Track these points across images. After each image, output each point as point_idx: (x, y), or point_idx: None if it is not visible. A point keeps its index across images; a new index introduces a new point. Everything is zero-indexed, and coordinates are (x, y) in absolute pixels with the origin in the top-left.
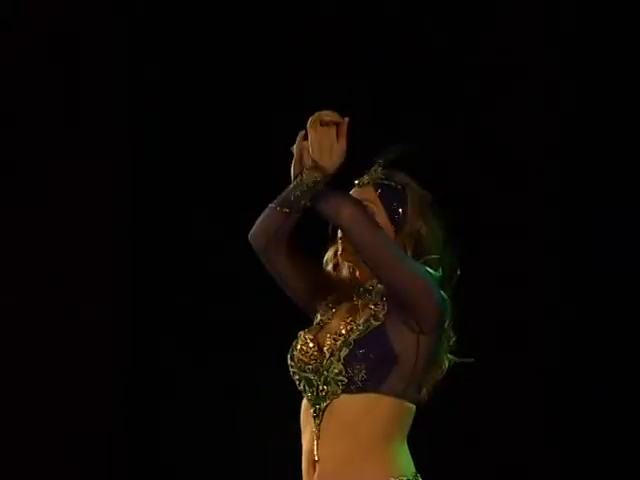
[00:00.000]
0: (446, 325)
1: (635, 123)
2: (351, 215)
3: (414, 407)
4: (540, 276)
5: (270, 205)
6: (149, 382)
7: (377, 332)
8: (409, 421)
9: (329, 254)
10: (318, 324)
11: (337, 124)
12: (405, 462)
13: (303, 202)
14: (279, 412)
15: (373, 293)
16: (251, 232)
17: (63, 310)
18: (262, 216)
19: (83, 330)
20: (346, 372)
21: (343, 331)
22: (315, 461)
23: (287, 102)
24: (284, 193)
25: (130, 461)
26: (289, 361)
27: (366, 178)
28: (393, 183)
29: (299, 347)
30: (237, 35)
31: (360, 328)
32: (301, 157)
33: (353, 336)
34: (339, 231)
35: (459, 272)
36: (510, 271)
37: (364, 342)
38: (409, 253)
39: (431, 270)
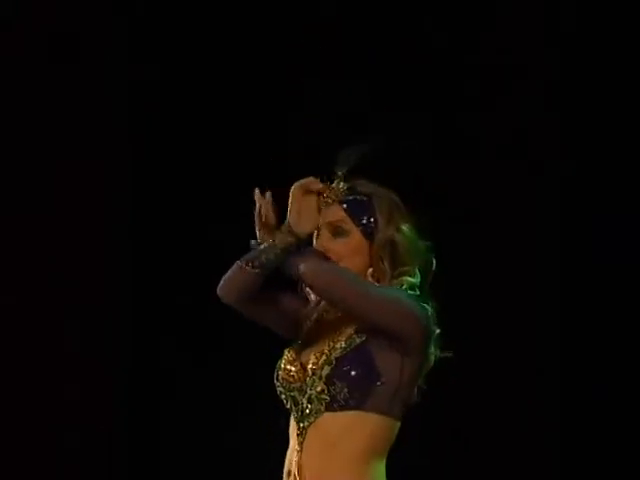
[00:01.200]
0: (432, 342)
1: (635, 123)
2: (313, 272)
3: (399, 423)
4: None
5: (239, 263)
6: (149, 382)
7: (360, 350)
8: (392, 437)
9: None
10: (301, 341)
11: (320, 193)
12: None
13: (274, 264)
14: (278, 413)
15: None
16: (220, 287)
17: (63, 310)
18: (230, 273)
19: (83, 330)
20: (328, 391)
21: (325, 349)
22: (295, 476)
23: (287, 102)
24: (254, 253)
25: (130, 461)
26: (275, 380)
27: (331, 197)
28: (358, 197)
29: (283, 366)
30: (236, 34)
31: (342, 346)
32: (263, 216)
33: (335, 354)
34: (316, 239)
35: (434, 266)
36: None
37: (346, 360)
38: (386, 262)
39: (411, 281)
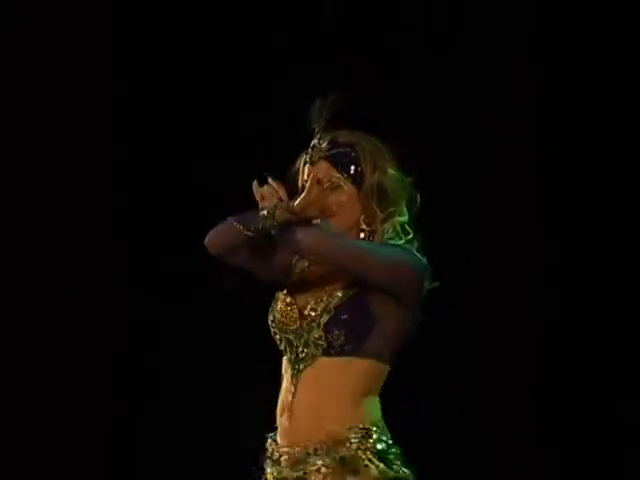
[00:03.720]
0: (424, 294)
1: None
2: (311, 245)
3: (389, 367)
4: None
5: (233, 222)
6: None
7: (357, 299)
8: (383, 380)
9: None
10: (296, 285)
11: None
12: (377, 414)
13: (268, 233)
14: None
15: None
16: (208, 238)
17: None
18: (222, 228)
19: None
20: (326, 337)
21: (324, 297)
22: (289, 414)
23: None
24: (251, 217)
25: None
26: (270, 322)
27: (315, 155)
28: (341, 149)
29: (279, 307)
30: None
31: (340, 295)
32: (272, 195)
33: (334, 303)
34: (310, 192)
35: (419, 201)
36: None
37: (344, 309)
38: (375, 206)
39: (401, 220)
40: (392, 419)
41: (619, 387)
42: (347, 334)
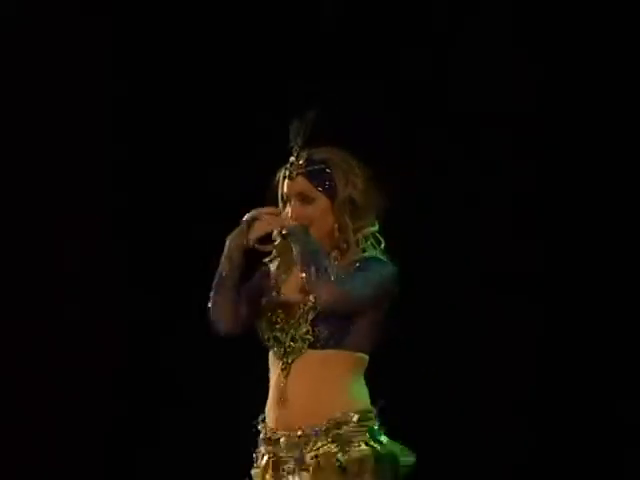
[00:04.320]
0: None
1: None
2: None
3: (368, 357)
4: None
5: (218, 287)
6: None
7: None
8: (364, 367)
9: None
10: (278, 291)
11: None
12: (365, 398)
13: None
14: None
15: (338, 262)
16: (213, 317)
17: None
18: (219, 304)
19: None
20: (312, 332)
21: (310, 297)
22: (283, 402)
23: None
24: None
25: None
26: (259, 322)
27: (293, 170)
28: (317, 166)
29: (265, 312)
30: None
31: None
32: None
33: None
34: (287, 206)
35: (387, 209)
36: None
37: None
38: (347, 217)
39: (371, 230)
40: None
41: (618, 387)
42: (330, 329)
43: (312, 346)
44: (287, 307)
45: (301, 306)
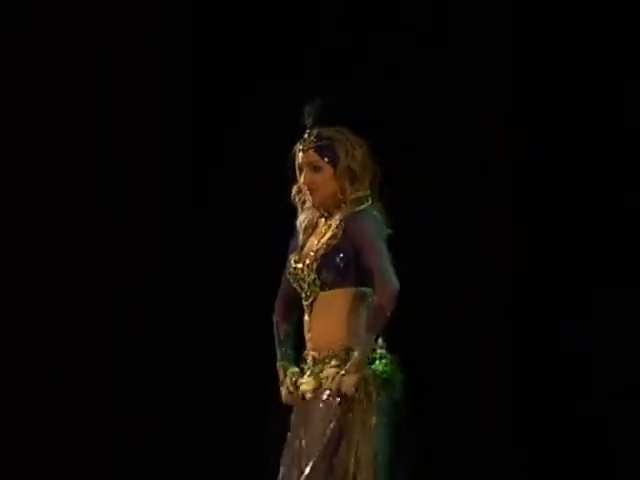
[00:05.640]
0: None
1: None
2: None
3: (370, 289)
4: None
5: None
6: None
7: (337, 248)
8: (369, 299)
9: (294, 192)
10: (301, 248)
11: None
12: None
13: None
14: None
15: (334, 217)
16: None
17: None
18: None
19: None
20: (318, 278)
21: (314, 249)
22: (310, 332)
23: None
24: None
25: None
26: (288, 275)
27: (305, 145)
28: (324, 141)
29: (292, 265)
30: None
31: (324, 246)
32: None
33: (320, 252)
34: (301, 176)
35: (380, 175)
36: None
37: (328, 256)
38: (347, 182)
39: (366, 192)
40: None
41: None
42: (333, 273)
43: (322, 289)
44: (303, 260)
45: (310, 259)
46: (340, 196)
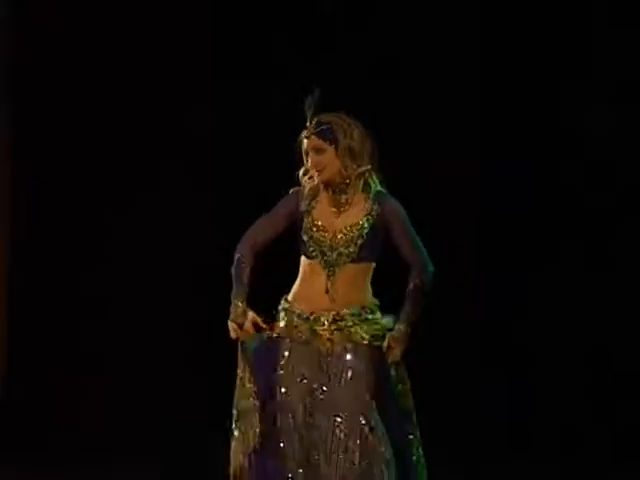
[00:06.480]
0: None
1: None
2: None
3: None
4: None
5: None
6: None
7: (374, 228)
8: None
9: (301, 173)
10: (324, 216)
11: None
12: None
13: None
14: None
15: (350, 193)
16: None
17: None
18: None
19: None
20: (356, 252)
21: (349, 224)
22: (328, 297)
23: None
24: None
25: None
26: (308, 239)
27: (308, 132)
28: (324, 126)
29: (315, 231)
30: None
31: (365, 225)
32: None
33: (364, 230)
34: (307, 158)
35: (377, 149)
36: None
37: (370, 235)
38: (348, 160)
39: (367, 167)
40: None
41: None
42: (367, 250)
43: (353, 261)
44: (330, 231)
45: (345, 232)
46: (344, 172)
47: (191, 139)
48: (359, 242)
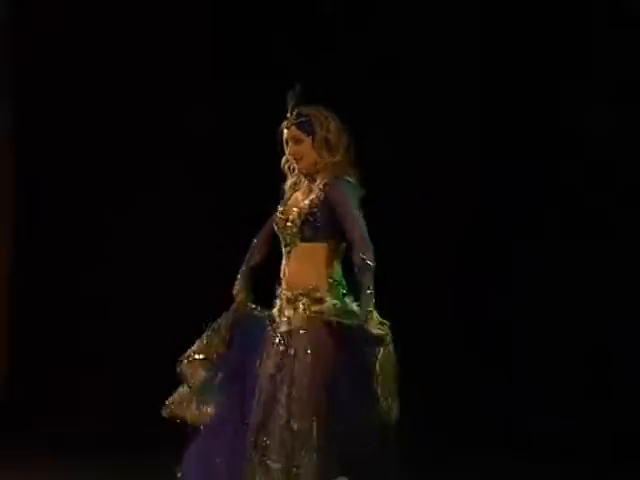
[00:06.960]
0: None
1: None
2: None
3: (341, 242)
4: None
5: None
6: None
7: (316, 209)
8: (340, 252)
9: (283, 162)
10: (286, 204)
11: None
12: (338, 273)
13: None
14: None
15: (317, 181)
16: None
17: None
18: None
19: None
20: (299, 232)
21: (299, 206)
22: (286, 274)
23: None
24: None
25: None
26: (274, 225)
27: (288, 123)
28: (303, 118)
29: (278, 217)
30: None
31: (307, 207)
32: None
33: (305, 211)
34: (287, 147)
35: (353, 142)
36: None
37: (309, 215)
38: (324, 151)
39: (342, 158)
40: None
41: None
42: (311, 229)
43: (301, 240)
44: (287, 214)
45: (294, 215)
46: (320, 162)
47: (191, 139)
48: (298, 222)
